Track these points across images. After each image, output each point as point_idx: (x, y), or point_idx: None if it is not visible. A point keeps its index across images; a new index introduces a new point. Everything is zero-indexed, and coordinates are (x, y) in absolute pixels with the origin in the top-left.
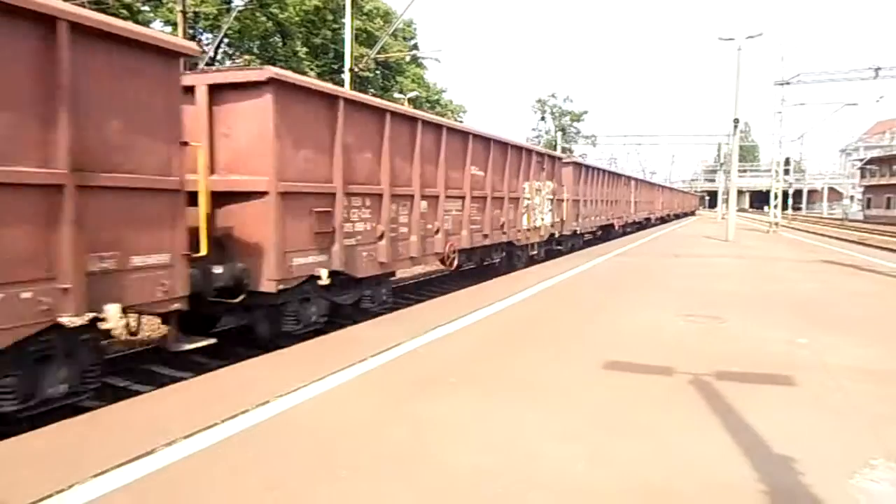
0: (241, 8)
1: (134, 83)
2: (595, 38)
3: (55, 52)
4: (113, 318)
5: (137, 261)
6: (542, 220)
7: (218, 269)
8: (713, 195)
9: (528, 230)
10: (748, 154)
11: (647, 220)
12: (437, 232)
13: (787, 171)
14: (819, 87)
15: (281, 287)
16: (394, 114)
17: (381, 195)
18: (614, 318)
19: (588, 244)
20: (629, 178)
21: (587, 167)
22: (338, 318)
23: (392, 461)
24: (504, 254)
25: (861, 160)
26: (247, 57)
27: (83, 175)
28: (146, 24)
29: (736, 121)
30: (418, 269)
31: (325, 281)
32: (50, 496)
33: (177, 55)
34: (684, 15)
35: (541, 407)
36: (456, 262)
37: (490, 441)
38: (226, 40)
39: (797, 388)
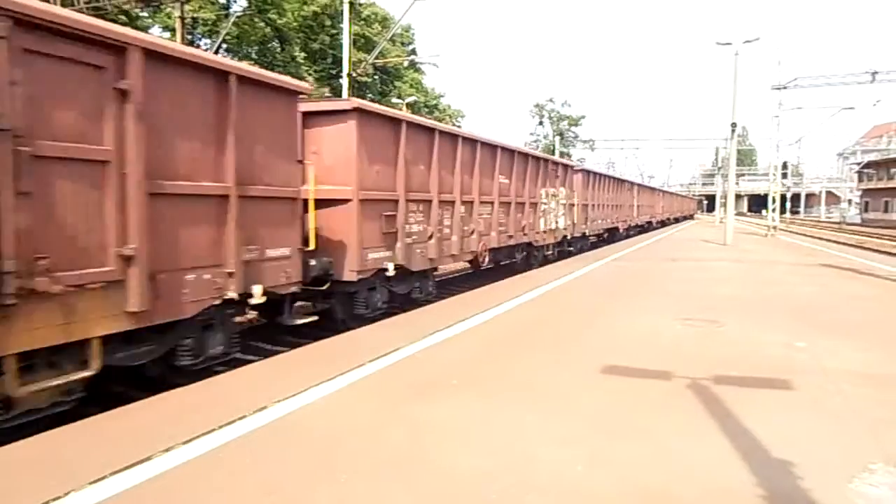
0: (239, 14)
1: (270, 116)
2: (593, 42)
3: (227, 97)
4: (258, 295)
5: (270, 253)
6: (557, 223)
7: (313, 262)
8: (711, 199)
9: (545, 232)
10: (746, 158)
11: (649, 223)
12: (472, 233)
13: (784, 175)
14: (816, 91)
15: (359, 277)
16: (441, 132)
17: (430, 201)
18: (613, 322)
19: (594, 246)
20: (632, 183)
21: (595, 174)
22: (395, 304)
23: (391, 465)
24: (524, 253)
25: (858, 164)
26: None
27: (242, 188)
28: (144, 29)
29: (733, 125)
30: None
31: (391, 272)
32: (46, 503)
33: (296, 93)
34: (682, 20)
35: (540, 410)
36: (487, 259)
37: (489, 444)
38: (224, 46)
39: (796, 391)
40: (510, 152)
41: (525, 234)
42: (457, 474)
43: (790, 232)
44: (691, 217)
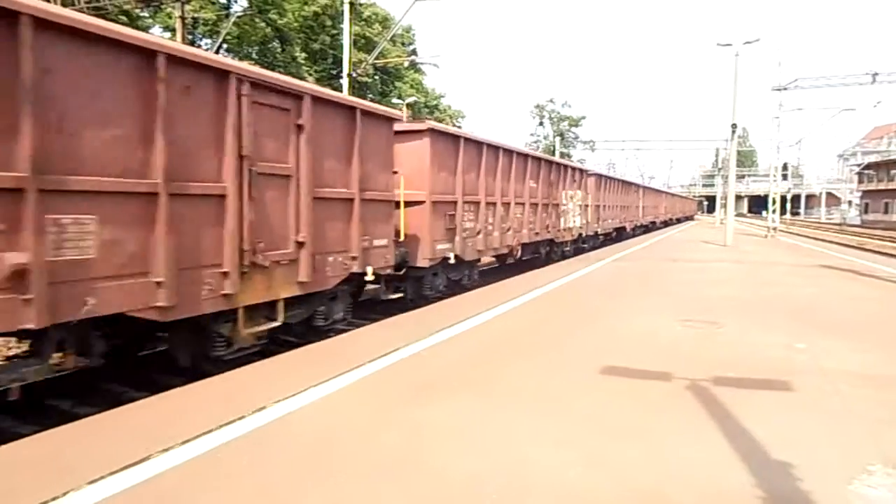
0: (239, 14)
1: (378, 137)
2: (593, 43)
3: (354, 125)
4: (370, 273)
5: (377, 242)
6: (574, 222)
7: (398, 251)
8: (711, 200)
9: (564, 230)
10: (746, 159)
11: (653, 223)
12: (508, 230)
13: (785, 177)
14: (817, 92)
15: (430, 264)
16: (487, 145)
17: (479, 203)
18: (613, 322)
19: (603, 244)
20: (638, 186)
21: (606, 177)
22: (452, 288)
23: (388, 466)
24: (548, 248)
25: (859, 165)
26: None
27: (363, 193)
28: (145, 29)
29: (734, 126)
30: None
31: (452, 261)
32: (45, 503)
33: (394, 119)
34: (683, 21)
35: (538, 411)
36: (519, 253)
37: (486, 446)
38: (225, 46)
39: (795, 393)
40: (538, 160)
41: (549, 232)
42: (454, 476)
43: (790, 233)
44: (691, 218)
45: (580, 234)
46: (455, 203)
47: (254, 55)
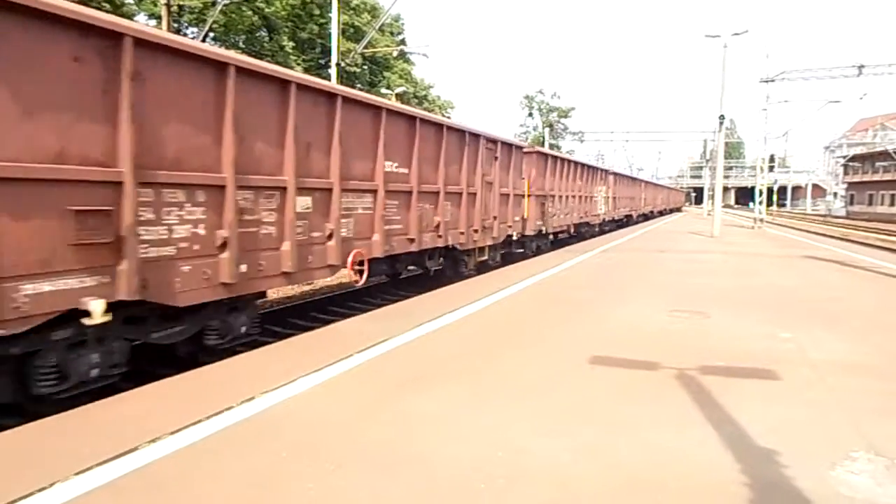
0: (226, 2)
1: (518, 159)
2: (582, 34)
3: (511, 155)
4: (515, 235)
5: (515, 218)
6: (600, 210)
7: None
8: (699, 191)
9: (594, 216)
10: (734, 150)
11: (651, 212)
12: (568, 214)
13: (771, 168)
14: (804, 84)
15: (533, 234)
16: (560, 158)
17: (556, 196)
18: (601, 313)
19: (613, 229)
20: (641, 180)
21: (620, 175)
22: (532, 251)
23: (378, 455)
24: (585, 229)
25: (844, 157)
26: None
27: (514, 189)
28: (130, 17)
29: (721, 117)
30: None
31: (545, 232)
32: (31, 494)
33: (522, 147)
34: (671, 12)
35: (527, 402)
36: (573, 230)
37: (477, 435)
38: (211, 35)
39: (780, 382)
40: (584, 165)
41: (586, 217)
42: (445, 465)
43: (776, 224)
44: (680, 209)
45: (603, 220)
46: (545, 196)
47: (241, 44)
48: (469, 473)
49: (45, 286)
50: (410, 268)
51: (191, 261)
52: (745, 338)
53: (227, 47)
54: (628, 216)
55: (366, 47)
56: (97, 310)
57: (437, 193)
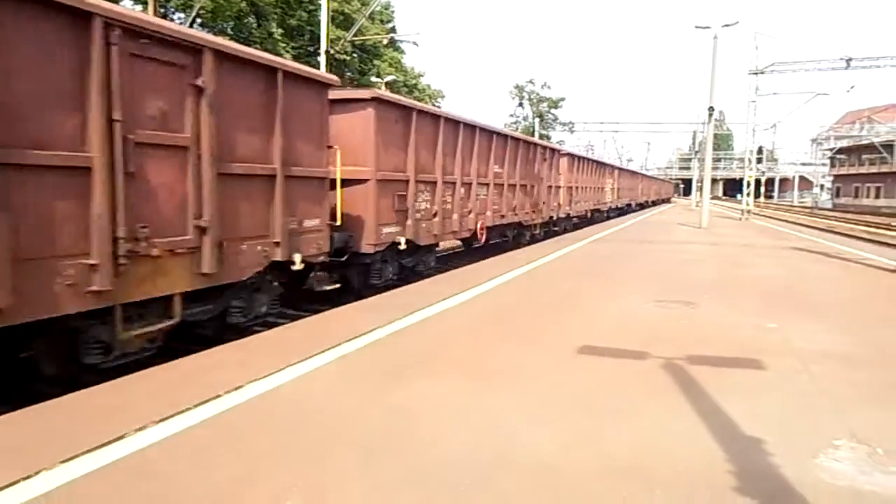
0: None
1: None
2: (573, 24)
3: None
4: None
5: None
6: (608, 198)
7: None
8: (688, 183)
9: (603, 203)
10: (723, 142)
11: (646, 202)
12: (586, 201)
13: (759, 160)
14: (793, 76)
15: (559, 217)
16: (591, 159)
17: (578, 187)
18: (590, 303)
19: (616, 216)
20: (639, 173)
21: (623, 169)
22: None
23: (368, 444)
24: (597, 212)
25: (831, 150)
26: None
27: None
28: (115, 1)
29: (711, 109)
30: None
31: (573, 216)
32: (16, 482)
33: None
34: (661, 2)
35: (516, 390)
36: (590, 214)
37: (467, 423)
38: (199, 21)
39: (766, 371)
40: (596, 162)
41: (598, 204)
42: (435, 453)
43: (764, 216)
44: (668, 200)
45: (610, 207)
46: (571, 188)
47: (229, 30)
48: (459, 462)
49: (385, 230)
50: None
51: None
52: (732, 328)
53: (214, 33)
54: (628, 204)
55: (355, 35)
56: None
57: (515, 186)
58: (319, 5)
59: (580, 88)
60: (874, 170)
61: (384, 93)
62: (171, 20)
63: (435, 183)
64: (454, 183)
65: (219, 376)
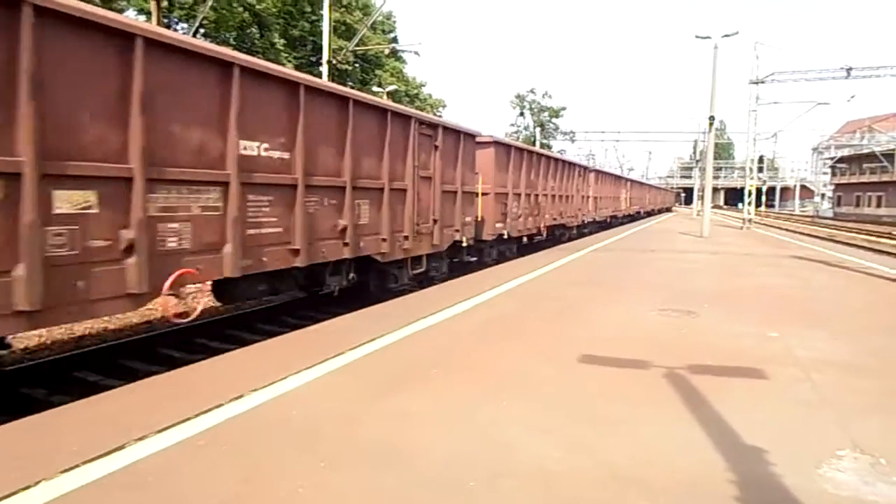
0: None
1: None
2: (574, 34)
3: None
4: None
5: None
6: (621, 207)
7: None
8: (689, 192)
9: (618, 211)
10: (723, 151)
11: (638, 213)
12: (605, 208)
13: (760, 169)
14: (793, 86)
15: (579, 223)
16: (609, 173)
17: (600, 197)
18: (591, 312)
19: (593, 231)
20: (627, 179)
21: (633, 181)
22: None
23: (369, 452)
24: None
25: (832, 159)
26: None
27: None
28: (120, 11)
29: (711, 118)
30: None
31: (593, 222)
32: (15, 493)
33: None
34: (662, 12)
35: (518, 399)
36: (609, 219)
37: (467, 431)
38: (202, 31)
39: (768, 380)
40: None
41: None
42: (436, 461)
43: (765, 225)
44: (669, 209)
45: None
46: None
47: (231, 41)
48: (460, 469)
49: (496, 225)
50: None
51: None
52: (734, 336)
53: (217, 44)
54: (612, 216)
55: (357, 45)
56: None
57: (562, 196)
58: (322, 16)
59: (581, 98)
60: (875, 179)
61: (500, 137)
62: (175, 30)
63: (519, 195)
64: (531, 195)
65: (222, 385)
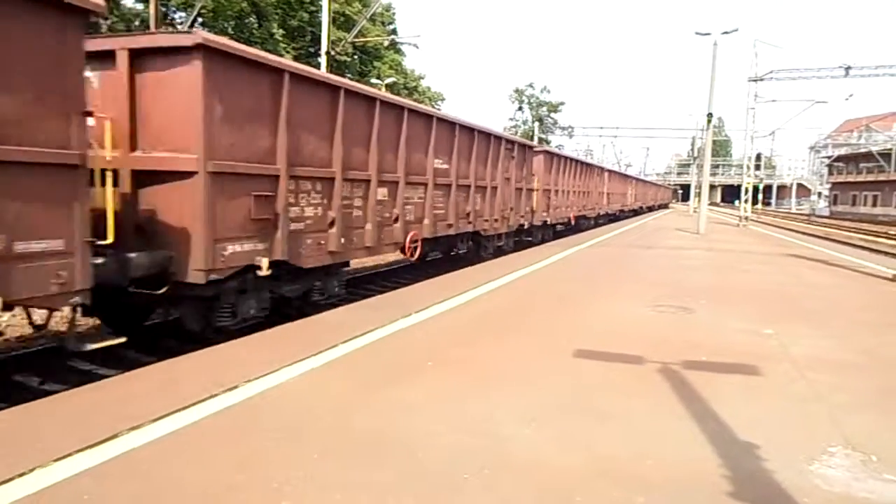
0: None
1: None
2: (574, 29)
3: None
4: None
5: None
6: (628, 201)
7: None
8: (686, 188)
9: (626, 206)
10: (721, 149)
11: (641, 208)
12: (617, 203)
13: (758, 167)
14: (791, 84)
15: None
16: (621, 174)
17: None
18: (587, 307)
19: (606, 223)
20: (633, 177)
21: (614, 172)
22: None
23: (363, 444)
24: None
25: (829, 157)
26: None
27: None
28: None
29: (710, 115)
30: None
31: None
32: (10, 480)
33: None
34: (662, 9)
35: (514, 393)
36: (620, 213)
37: (462, 425)
38: (200, 20)
39: (762, 377)
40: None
41: (623, 206)
42: (430, 454)
43: (761, 223)
44: (666, 206)
45: (598, 213)
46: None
47: (230, 30)
48: (455, 462)
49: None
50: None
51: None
52: (728, 333)
53: (215, 33)
54: (621, 210)
55: (356, 36)
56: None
57: (591, 192)
58: (321, 6)
59: (580, 93)
60: (871, 178)
61: (547, 147)
62: (172, 19)
63: (558, 191)
64: (565, 191)
65: (216, 374)
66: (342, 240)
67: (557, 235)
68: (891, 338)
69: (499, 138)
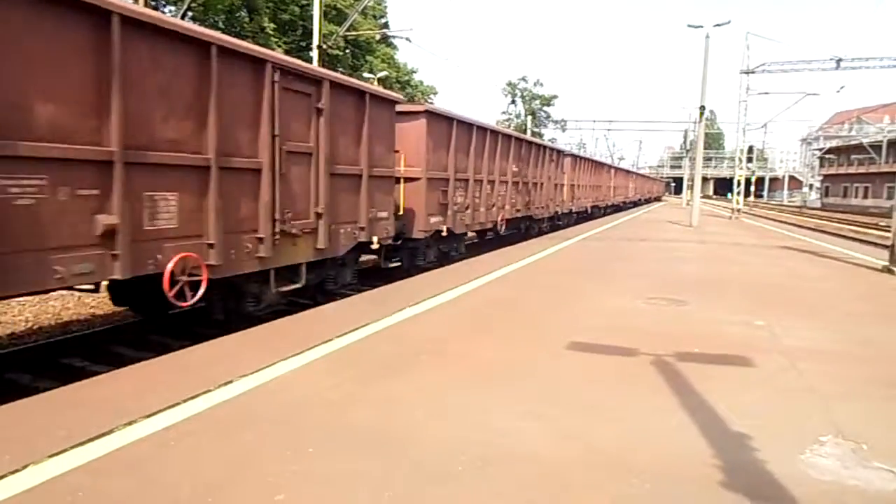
0: None
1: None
2: (567, 22)
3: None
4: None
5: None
6: (630, 194)
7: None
8: (678, 181)
9: (627, 197)
10: (713, 141)
11: (623, 202)
12: (627, 194)
13: (750, 160)
14: (783, 76)
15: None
16: (628, 172)
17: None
18: (580, 300)
19: (569, 224)
20: (612, 166)
21: (638, 174)
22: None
23: (358, 438)
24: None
25: (821, 150)
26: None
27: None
28: None
29: (702, 108)
30: None
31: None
32: (3, 476)
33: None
34: (654, 1)
35: (508, 385)
36: (632, 201)
37: (456, 418)
38: (190, 14)
39: (754, 368)
40: (627, 171)
41: (597, 201)
42: (424, 447)
43: (754, 215)
44: (659, 199)
45: (630, 200)
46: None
47: (220, 24)
48: (449, 455)
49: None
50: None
51: None
52: (720, 325)
53: (206, 27)
54: (623, 202)
55: (348, 30)
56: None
57: (601, 187)
58: (312, 0)
59: (573, 86)
60: (863, 170)
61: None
62: (163, 13)
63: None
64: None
65: (213, 370)
66: (474, 217)
67: (578, 220)
68: (881, 328)
69: (543, 147)
